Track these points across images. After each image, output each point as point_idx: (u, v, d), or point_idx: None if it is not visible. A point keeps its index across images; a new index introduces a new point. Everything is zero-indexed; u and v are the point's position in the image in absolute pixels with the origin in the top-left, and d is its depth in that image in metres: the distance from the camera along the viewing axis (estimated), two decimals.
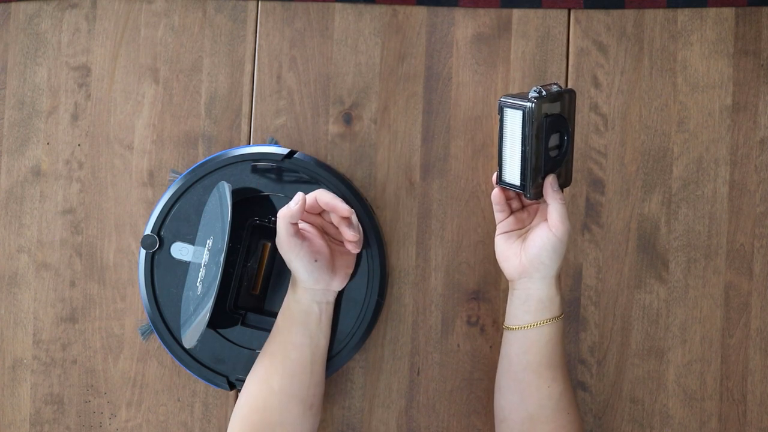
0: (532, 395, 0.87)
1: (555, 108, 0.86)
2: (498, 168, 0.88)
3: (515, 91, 0.99)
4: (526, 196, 0.87)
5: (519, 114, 0.85)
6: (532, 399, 0.87)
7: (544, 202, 0.88)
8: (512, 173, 0.87)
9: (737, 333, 0.98)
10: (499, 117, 0.87)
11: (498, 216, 0.90)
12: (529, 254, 0.86)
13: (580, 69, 0.99)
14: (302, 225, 0.90)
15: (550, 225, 0.86)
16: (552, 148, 0.87)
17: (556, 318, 0.87)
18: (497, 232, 0.90)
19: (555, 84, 0.86)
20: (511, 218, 0.90)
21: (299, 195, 0.86)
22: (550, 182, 0.86)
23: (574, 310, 0.98)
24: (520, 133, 0.85)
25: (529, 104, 0.84)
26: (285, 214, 0.86)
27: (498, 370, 0.91)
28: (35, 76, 1.00)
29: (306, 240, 0.88)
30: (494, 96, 0.99)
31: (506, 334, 0.89)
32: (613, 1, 0.98)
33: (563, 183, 0.89)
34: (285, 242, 0.86)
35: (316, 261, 0.88)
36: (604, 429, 0.98)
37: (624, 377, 0.98)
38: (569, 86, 0.99)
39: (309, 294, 0.89)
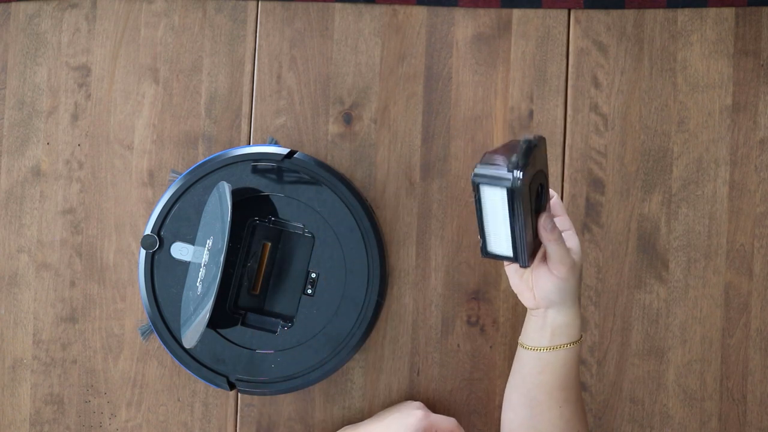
0: (542, 413, 0.86)
1: (535, 163, 0.79)
2: (480, 239, 0.82)
3: (514, 91, 0.99)
4: (522, 265, 0.81)
5: (501, 192, 0.77)
6: (542, 417, 0.86)
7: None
8: (499, 245, 0.81)
9: (737, 333, 0.98)
10: (474, 193, 0.78)
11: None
12: (538, 294, 0.84)
13: (580, 69, 0.99)
14: None
15: (550, 267, 0.82)
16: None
17: (574, 342, 0.85)
18: (505, 264, 0.88)
19: (525, 140, 0.77)
20: None
21: None
22: (543, 224, 0.81)
23: None
24: (506, 211, 0.77)
25: (512, 182, 0.75)
26: None
27: (509, 383, 0.90)
28: (35, 76, 1.00)
29: None
30: (494, 96, 0.99)
31: (520, 351, 0.88)
32: (613, 1, 0.98)
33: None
34: None
35: None
36: (604, 429, 0.98)
37: (624, 377, 0.98)
38: (569, 86, 0.99)
39: None
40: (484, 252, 0.82)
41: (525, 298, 0.86)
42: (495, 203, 0.78)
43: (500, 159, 0.76)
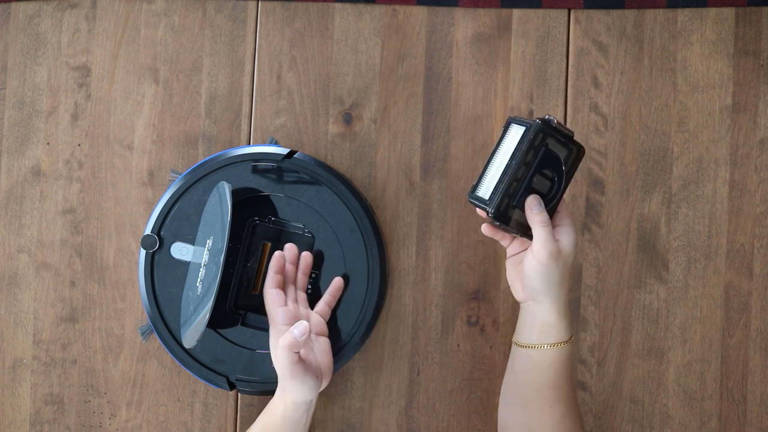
0: (533, 411, 0.86)
1: (559, 150, 0.84)
2: (476, 182, 0.86)
3: (514, 91, 0.99)
4: (488, 213, 0.83)
5: (521, 130, 0.83)
6: (533, 415, 0.86)
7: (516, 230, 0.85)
8: (487, 187, 0.85)
9: (737, 333, 0.98)
10: (501, 132, 0.86)
11: (502, 243, 0.89)
12: (525, 281, 0.85)
13: (580, 69, 0.99)
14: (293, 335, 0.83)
15: (533, 250, 0.83)
16: (537, 188, 0.84)
17: (562, 343, 0.85)
18: (507, 255, 0.89)
19: (570, 130, 0.84)
20: (516, 242, 0.88)
21: (303, 324, 0.82)
22: (529, 203, 0.83)
23: (574, 310, 0.98)
24: (513, 148, 0.83)
25: (535, 123, 0.82)
26: (291, 344, 0.81)
27: (504, 380, 0.91)
28: (35, 76, 1.00)
29: (306, 361, 0.84)
30: (494, 96, 0.99)
31: (513, 348, 0.89)
32: (613, 1, 0.98)
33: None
34: (290, 371, 0.83)
35: (317, 377, 0.85)
36: (604, 429, 0.98)
37: (624, 377, 0.98)
38: (569, 86, 0.99)
39: (304, 405, 0.86)
40: (470, 194, 0.86)
41: (516, 290, 0.87)
42: (512, 143, 0.84)
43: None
